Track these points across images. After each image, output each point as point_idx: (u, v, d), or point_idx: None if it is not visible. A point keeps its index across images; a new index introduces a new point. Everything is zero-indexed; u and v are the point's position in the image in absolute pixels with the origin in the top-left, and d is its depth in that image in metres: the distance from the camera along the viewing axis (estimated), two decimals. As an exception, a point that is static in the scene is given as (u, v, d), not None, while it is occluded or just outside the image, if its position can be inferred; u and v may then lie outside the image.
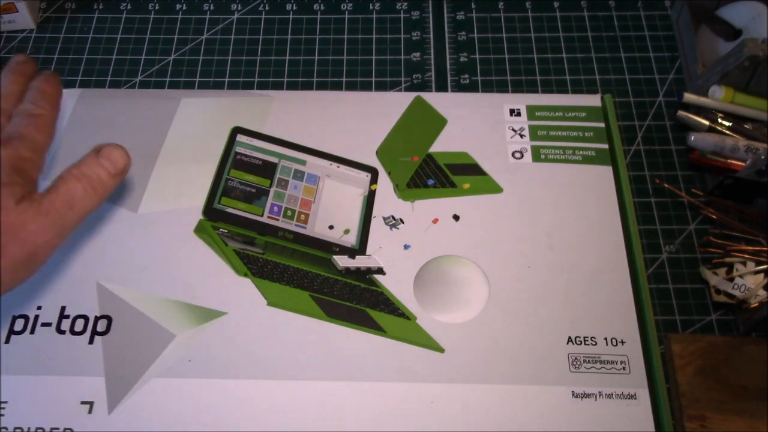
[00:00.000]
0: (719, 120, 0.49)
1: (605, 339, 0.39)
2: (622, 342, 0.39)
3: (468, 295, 0.40)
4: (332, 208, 0.43)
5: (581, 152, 0.45)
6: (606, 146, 0.45)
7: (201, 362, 0.38)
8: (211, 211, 0.42)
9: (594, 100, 0.48)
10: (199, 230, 0.42)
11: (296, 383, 0.37)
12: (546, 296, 0.40)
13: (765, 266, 0.42)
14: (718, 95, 0.49)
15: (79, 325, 0.39)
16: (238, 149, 0.45)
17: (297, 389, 0.37)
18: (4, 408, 0.36)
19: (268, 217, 0.43)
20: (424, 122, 0.47)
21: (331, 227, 0.43)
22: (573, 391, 0.37)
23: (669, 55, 0.55)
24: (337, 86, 0.54)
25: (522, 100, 0.48)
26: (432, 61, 0.55)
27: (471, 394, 0.37)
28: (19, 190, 0.34)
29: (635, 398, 0.37)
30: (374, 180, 0.44)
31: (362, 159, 0.45)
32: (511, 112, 0.47)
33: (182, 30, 0.57)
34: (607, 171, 0.44)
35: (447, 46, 0.56)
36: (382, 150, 0.45)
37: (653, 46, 0.56)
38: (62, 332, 0.38)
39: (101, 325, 0.39)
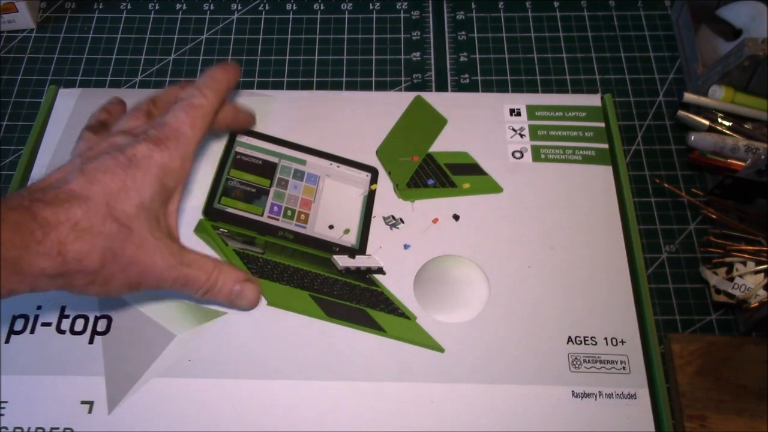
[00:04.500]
0: (719, 120, 0.49)
1: (605, 339, 0.39)
2: (622, 342, 0.39)
3: (468, 295, 0.40)
4: (332, 208, 0.43)
5: (581, 152, 0.45)
6: (606, 146, 0.45)
7: (201, 362, 0.38)
8: (211, 211, 0.42)
9: (594, 100, 0.48)
10: (199, 230, 0.42)
11: (296, 383, 0.37)
12: (546, 296, 0.40)
13: (765, 266, 0.42)
14: (718, 95, 0.49)
15: (79, 325, 0.39)
16: (238, 149, 0.45)
17: (297, 389, 0.37)
18: (4, 408, 0.36)
19: (268, 216, 0.43)
20: (424, 122, 0.47)
21: (331, 227, 0.43)
22: (573, 391, 0.37)
23: (669, 55, 0.55)
24: (337, 86, 0.54)
25: (522, 100, 0.48)
26: (432, 61, 0.55)
27: (471, 394, 0.37)
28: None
29: (635, 398, 0.37)
30: (374, 180, 0.44)
31: (362, 159, 0.45)
32: (511, 112, 0.47)
33: (182, 30, 0.57)
34: (607, 171, 0.44)
35: (447, 45, 0.56)
36: (382, 150, 0.45)
37: (653, 46, 0.56)
38: (62, 332, 0.38)
39: (101, 325, 0.39)
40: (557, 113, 0.47)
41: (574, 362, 0.38)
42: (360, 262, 0.41)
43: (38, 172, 0.44)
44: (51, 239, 0.30)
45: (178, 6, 0.59)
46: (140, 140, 0.35)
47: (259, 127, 0.46)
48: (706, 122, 0.49)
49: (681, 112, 0.50)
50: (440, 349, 0.38)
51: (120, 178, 0.33)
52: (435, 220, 0.43)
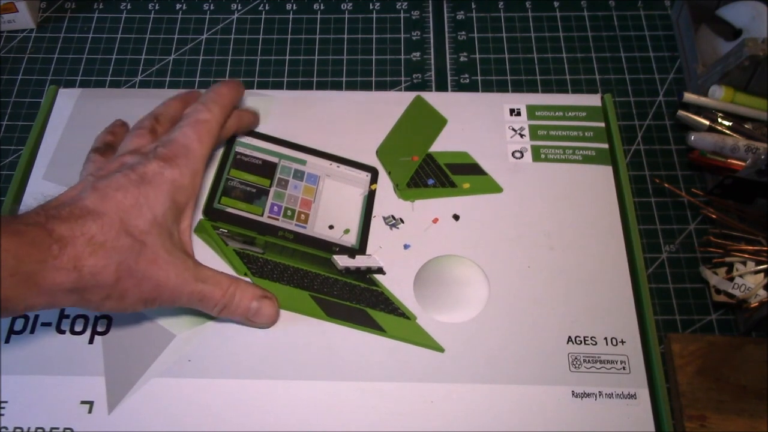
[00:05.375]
0: (719, 120, 0.49)
1: (605, 339, 0.39)
2: (622, 342, 0.39)
3: (468, 295, 0.40)
4: (332, 208, 0.43)
5: (581, 152, 0.45)
6: (606, 146, 0.45)
7: (201, 362, 0.38)
8: (211, 211, 0.42)
9: (594, 100, 0.48)
10: (199, 230, 0.42)
11: (296, 383, 0.37)
12: (546, 296, 0.40)
13: (765, 266, 0.42)
14: (718, 95, 0.49)
15: (79, 324, 0.39)
16: (238, 149, 0.45)
17: (297, 389, 0.37)
18: (4, 408, 0.36)
19: (268, 216, 0.43)
20: (424, 122, 0.47)
21: (331, 227, 0.43)
22: (573, 391, 0.37)
23: (669, 55, 0.55)
24: (337, 86, 0.54)
25: (522, 100, 0.48)
26: (432, 61, 0.55)
27: (471, 394, 0.37)
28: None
29: (635, 398, 0.37)
30: (374, 180, 0.44)
31: (362, 159, 0.45)
32: (511, 111, 0.47)
33: (182, 30, 0.57)
34: (607, 171, 0.44)
35: (447, 45, 0.56)
36: (382, 150, 0.45)
37: (653, 46, 0.56)
38: (62, 332, 0.38)
39: (101, 325, 0.39)
40: (557, 113, 0.47)
41: (574, 362, 0.38)
42: (360, 262, 0.41)
43: (38, 172, 0.44)
44: (67, 254, 0.31)
45: (178, 6, 0.59)
46: (150, 158, 0.36)
47: (259, 127, 0.46)
48: (706, 122, 0.49)
49: (681, 112, 0.50)
50: (440, 349, 0.38)
51: (132, 194, 0.34)
52: (435, 220, 0.43)
